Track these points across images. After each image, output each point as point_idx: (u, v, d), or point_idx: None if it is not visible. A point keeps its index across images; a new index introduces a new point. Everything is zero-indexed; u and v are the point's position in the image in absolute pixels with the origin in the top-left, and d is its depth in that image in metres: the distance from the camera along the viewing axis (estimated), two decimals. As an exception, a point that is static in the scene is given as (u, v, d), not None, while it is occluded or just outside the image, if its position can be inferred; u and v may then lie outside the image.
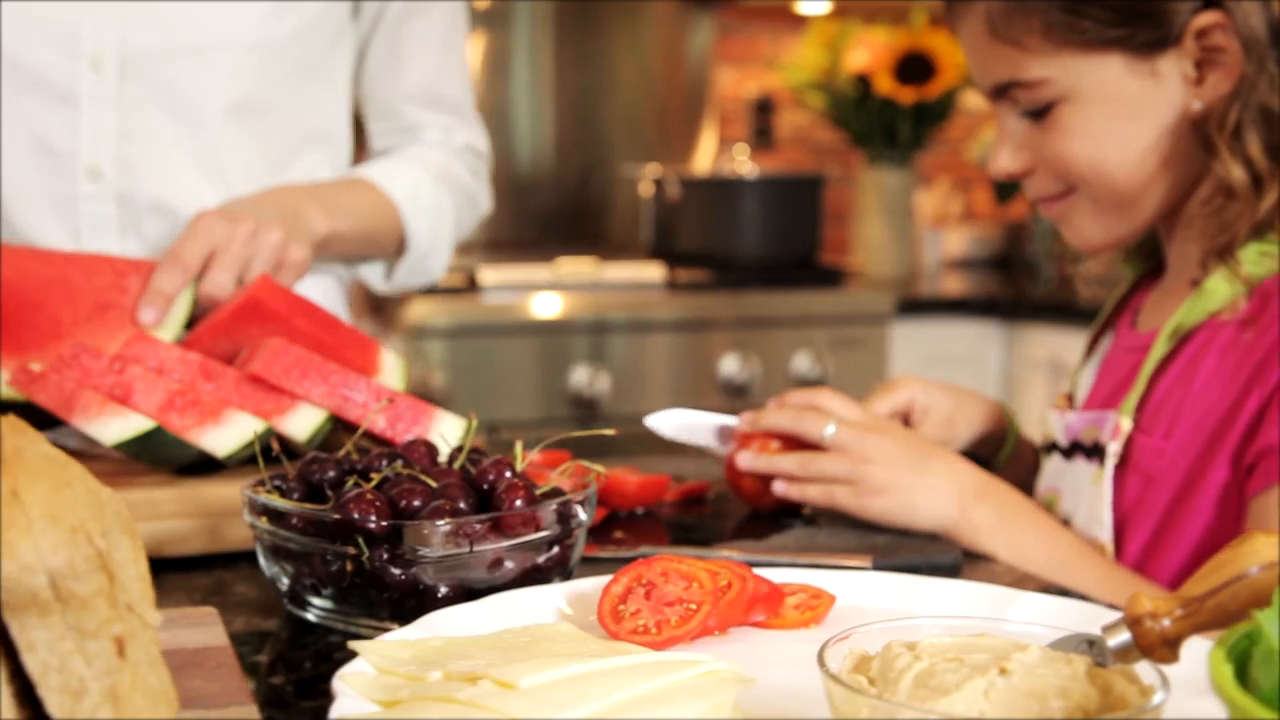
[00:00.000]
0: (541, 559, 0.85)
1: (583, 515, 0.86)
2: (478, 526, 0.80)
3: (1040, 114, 1.08)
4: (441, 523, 0.80)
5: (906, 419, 1.19)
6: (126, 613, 0.52)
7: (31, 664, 0.50)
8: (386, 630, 0.81)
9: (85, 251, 1.25)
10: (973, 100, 3.57)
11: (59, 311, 1.11)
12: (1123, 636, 0.61)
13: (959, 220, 4.02)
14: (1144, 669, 0.59)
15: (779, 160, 3.82)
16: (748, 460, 1.09)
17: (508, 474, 0.85)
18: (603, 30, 3.59)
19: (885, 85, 3.26)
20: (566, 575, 0.87)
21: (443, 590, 0.81)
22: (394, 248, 1.44)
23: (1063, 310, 3.01)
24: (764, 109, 3.87)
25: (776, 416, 1.10)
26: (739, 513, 1.13)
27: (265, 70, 1.35)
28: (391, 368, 1.12)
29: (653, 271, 2.98)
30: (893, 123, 3.37)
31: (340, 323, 1.13)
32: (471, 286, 2.87)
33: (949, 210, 4.01)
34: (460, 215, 1.49)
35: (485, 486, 0.85)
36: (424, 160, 1.44)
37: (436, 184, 1.43)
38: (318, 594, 0.83)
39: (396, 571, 0.80)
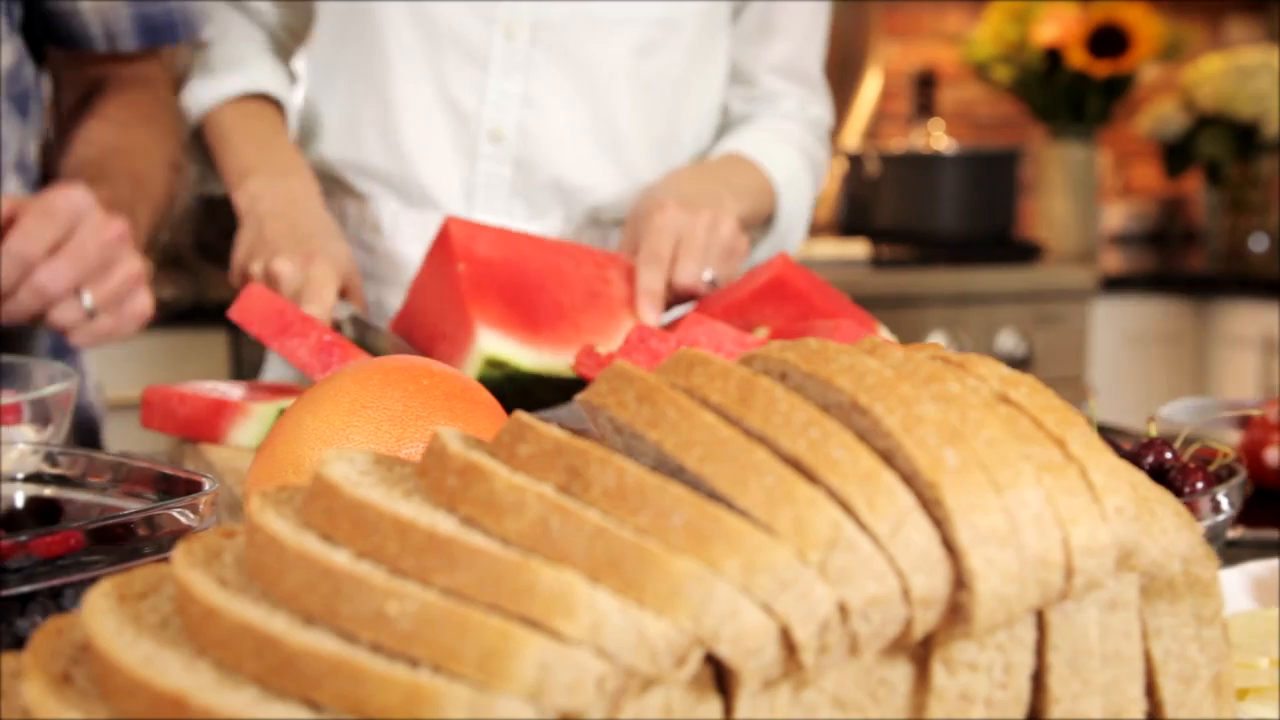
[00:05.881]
0: (1194, 541, 0.84)
1: (1231, 497, 0.85)
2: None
3: None
4: (1143, 504, 0.79)
5: None
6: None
7: (1156, 650, 0.49)
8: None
9: (560, 239, 1.25)
10: (1149, 73, 3.54)
11: (559, 296, 1.11)
12: None
13: (1118, 195, 3.99)
14: None
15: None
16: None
17: (1168, 454, 0.84)
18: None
19: (1078, 59, 3.23)
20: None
21: (1127, 572, 0.81)
22: (760, 224, 1.44)
23: (1273, 286, 2.98)
24: (926, 83, 3.84)
25: None
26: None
27: (667, 48, 1.36)
28: (892, 347, 1.11)
29: (856, 248, 2.97)
30: (1081, 96, 3.34)
31: (847, 301, 1.12)
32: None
33: (1111, 185, 3.98)
34: (814, 191, 1.49)
35: (1145, 467, 0.84)
36: (789, 135, 1.44)
37: (802, 160, 1.44)
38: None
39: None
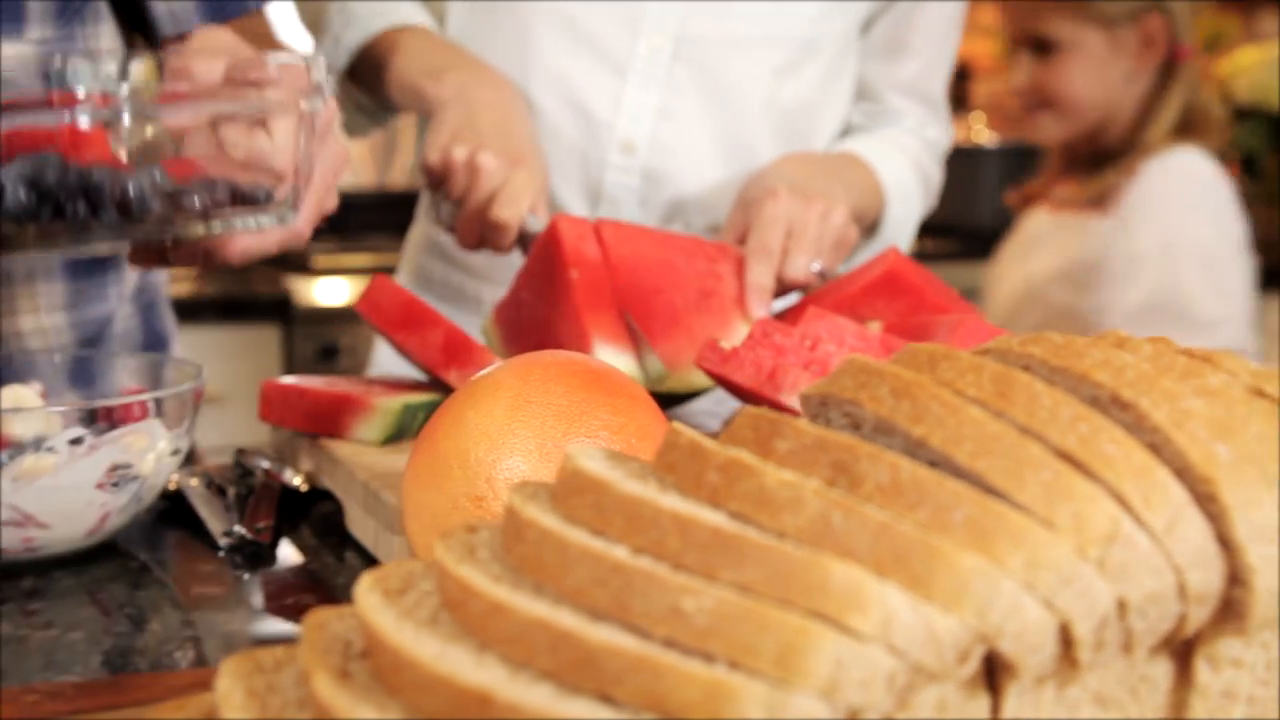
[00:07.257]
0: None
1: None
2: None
3: None
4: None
5: None
6: None
7: None
8: None
9: (673, 231, 1.24)
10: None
11: (674, 296, 1.10)
12: None
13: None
14: None
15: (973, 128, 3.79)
16: None
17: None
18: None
19: (1118, 52, 3.22)
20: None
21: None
22: (865, 228, 1.43)
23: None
24: (961, 77, 3.83)
25: None
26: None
27: (805, 70, 1.35)
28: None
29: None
30: (1119, 90, 3.33)
31: (957, 295, 1.12)
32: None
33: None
34: (924, 206, 1.47)
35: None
36: (905, 147, 1.43)
37: (914, 173, 1.42)
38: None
39: None
